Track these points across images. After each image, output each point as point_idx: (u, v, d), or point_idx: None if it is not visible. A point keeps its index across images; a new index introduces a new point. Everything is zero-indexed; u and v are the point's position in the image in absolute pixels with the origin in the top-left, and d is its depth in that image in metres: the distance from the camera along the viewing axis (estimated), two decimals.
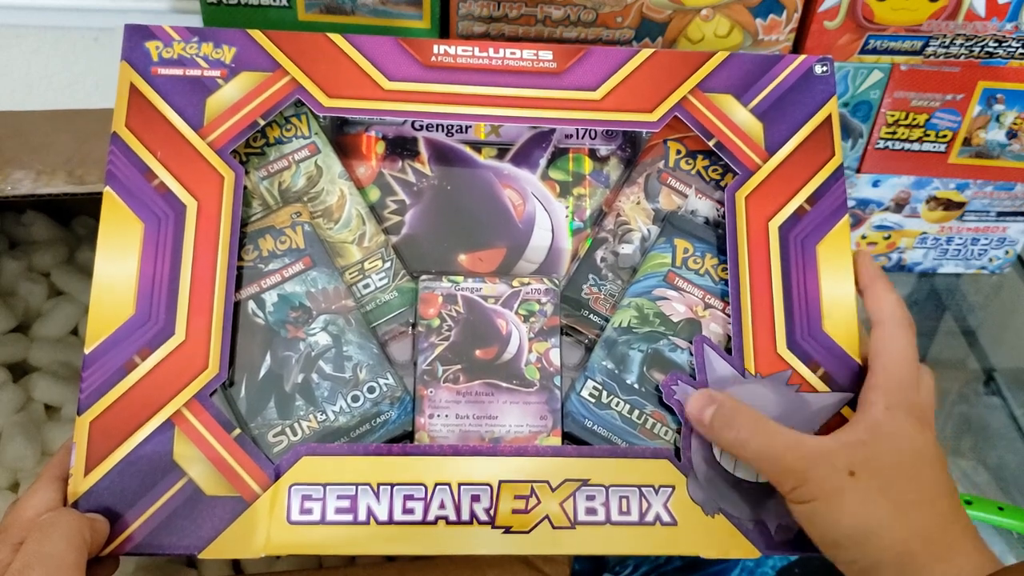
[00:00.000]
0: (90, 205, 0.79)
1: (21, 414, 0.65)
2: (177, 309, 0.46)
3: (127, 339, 0.45)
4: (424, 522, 0.45)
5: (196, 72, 0.49)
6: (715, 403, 0.45)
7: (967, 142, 0.74)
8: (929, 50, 0.69)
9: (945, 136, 0.73)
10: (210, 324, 0.46)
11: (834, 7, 0.66)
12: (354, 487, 0.45)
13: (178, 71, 0.49)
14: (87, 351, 0.45)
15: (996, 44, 0.69)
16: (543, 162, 0.53)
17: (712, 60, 0.53)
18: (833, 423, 0.47)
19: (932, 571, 0.40)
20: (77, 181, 0.57)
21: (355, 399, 0.47)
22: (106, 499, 0.44)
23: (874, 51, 0.69)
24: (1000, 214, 0.80)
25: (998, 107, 0.73)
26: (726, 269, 0.50)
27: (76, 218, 0.79)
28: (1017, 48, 0.69)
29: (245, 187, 0.50)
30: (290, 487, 0.44)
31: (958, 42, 0.68)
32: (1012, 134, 0.73)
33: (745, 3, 0.65)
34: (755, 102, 0.52)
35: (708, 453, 0.47)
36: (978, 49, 0.69)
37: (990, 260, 0.84)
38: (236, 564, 0.63)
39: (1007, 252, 0.84)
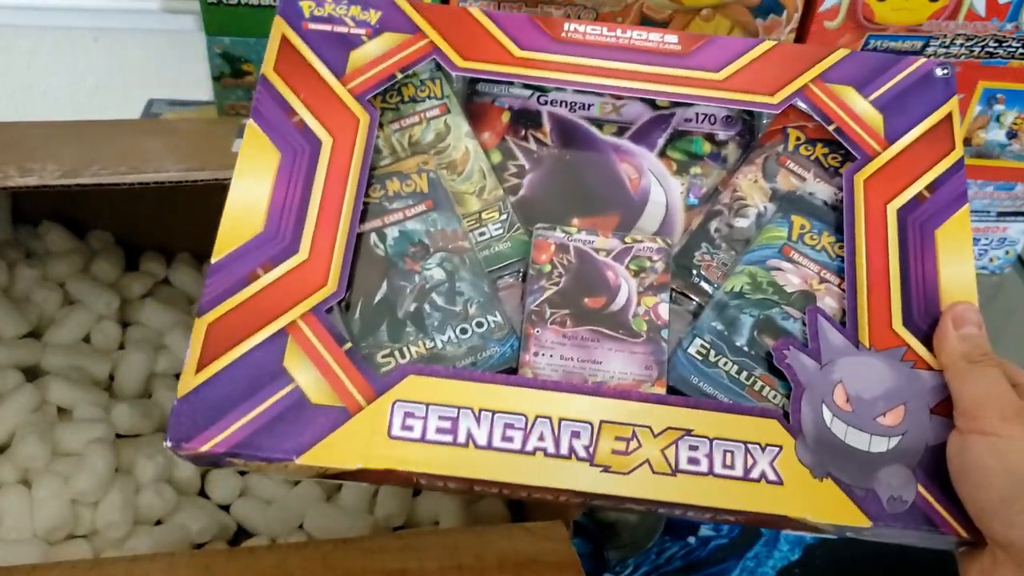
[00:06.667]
0: (104, 219, 0.83)
1: (35, 415, 0.67)
2: (303, 231, 0.48)
3: (253, 252, 0.47)
4: (522, 451, 0.44)
5: (343, 29, 0.53)
6: (978, 329, 0.47)
7: (967, 142, 0.75)
8: (929, 50, 0.70)
9: None
10: (333, 247, 0.48)
11: (834, 7, 0.68)
12: (456, 410, 0.44)
13: (327, 27, 0.53)
14: (213, 260, 0.47)
15: (996, 44, 0.70)
16: (661, 141, 0.55)
17: (833, 55, 0.54)
18: (948, 403, 0.46)
19: None
20: (87, 177, 0.59)
21: (463, 331, 0.48)
22: (213, 397, 0.44)
23: (874, 51, 0.70)
24: (1000, 214, 0.81)
25: (998, 107, 0.73)
26: (843, 247, 0.50)
27: (91, 232, 0.82)
28: (1017, 48, 0.70)
29: (377, 136, 0.52)
30: (394, 403, 0.44)
31: (958, 42, 0.69)
32: (1012, 134, 0.74)
33: (745, 3, 0.66)
34: (875, 95, 0.53)
35: (819, 417, 0.45)
36: (978, 49, 0.70)
37: (990, 260, 0.84)
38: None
39: (1007, 252, 0.84)
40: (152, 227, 0.84)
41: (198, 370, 0.45)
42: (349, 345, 0.45)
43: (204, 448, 0.43)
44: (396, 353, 0.47)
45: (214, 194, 0.69)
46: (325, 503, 0.70)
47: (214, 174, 0.61)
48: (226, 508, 0.71)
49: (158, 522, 0.67)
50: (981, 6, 0.68)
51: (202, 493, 0.71)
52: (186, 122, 0.87)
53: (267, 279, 0.47)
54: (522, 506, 0.71)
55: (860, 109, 0.53)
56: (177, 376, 0.74)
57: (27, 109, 1.03)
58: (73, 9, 0.92)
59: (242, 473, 0.72)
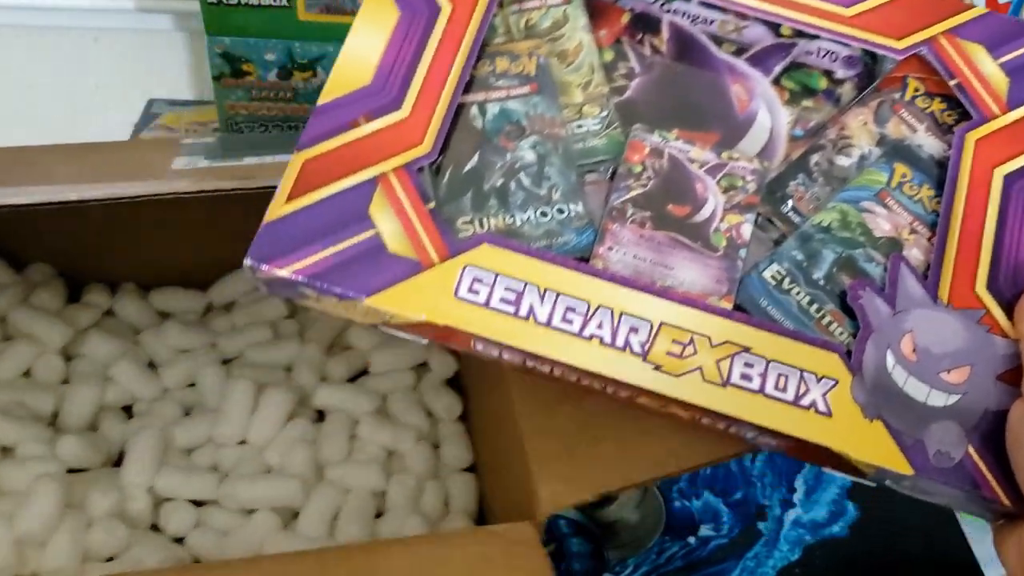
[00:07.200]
0: (46, 251, 0.78)
1: None
2: (408, 90, 0.49)
3: (358, 102, 0.49)
4: (579, 335, 0.45)
5: None
6: None
7: None
8: None
9: None
10: (433, 111, 0.49)
11: None
12: (523, 284, 0.45)
13: None
14: (320, 103, 0.49)
15: None
16: (778, 69, 0.54)
17: (970, 11, 0.52)
18: (1016, 372, 0.45)
19: None
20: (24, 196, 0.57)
21: (544, 214, 0.48)
22: (298, 225, 0.46)
23: None
24: None
25: None
26: (940, 203, 0.49)
27: (32, 265, 0.78)
28: None
29: (495, 15, 0.53)
30: (465, 266, 0.45)
31: None
32: None
33: None
34: (1006, 58, 0.51)
35: (881, 361, 0.45)
36: None
37: None
38: None
39: None
40: (93, 259, 0.79)
41: (288, 200, 0.47)
42: (433, 205, 0.46)
43: (281, 272, 0.45)
44: (476, 222, 0.48)
45: (155, 222, 0.69)
46: (282, 531, 0.66)
47: (154, 188, 0.59)
48: (180, 541, 0.67)
49: (110, 559, 0.64)
50: (980, 5, 0.66)
51: (155, 527, 0.68)
52: (120, 143, 0.84)
53: (367, 129, 0.48)
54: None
55: (987, 70, 0.51)
56: (124, 408, 0.74)
57: (27, 109, 1.02)
58: (73, 9, 0.90)
59: (197, 504, 0.68)
